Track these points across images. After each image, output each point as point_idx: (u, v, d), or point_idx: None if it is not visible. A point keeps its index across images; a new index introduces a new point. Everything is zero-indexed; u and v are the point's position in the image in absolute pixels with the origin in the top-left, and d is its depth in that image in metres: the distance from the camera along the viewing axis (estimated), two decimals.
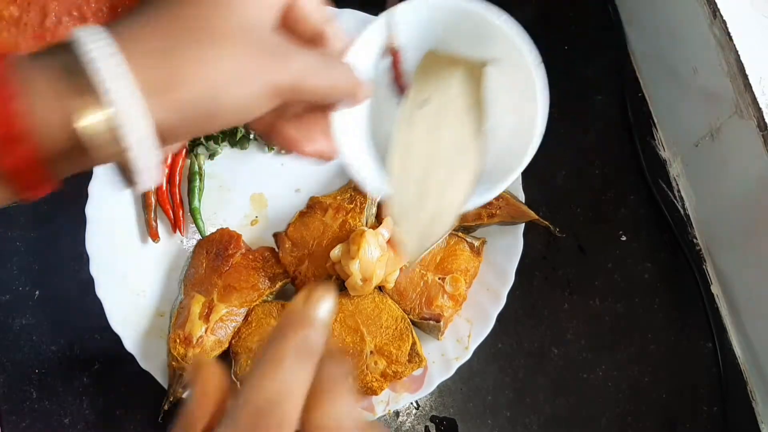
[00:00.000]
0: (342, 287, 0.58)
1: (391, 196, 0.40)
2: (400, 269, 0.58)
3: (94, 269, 0.59)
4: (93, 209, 0.61)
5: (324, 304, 0.26)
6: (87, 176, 0.61)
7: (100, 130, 0.24)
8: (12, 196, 0.25)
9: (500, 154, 0.43)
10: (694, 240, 0.65)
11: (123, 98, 0.24)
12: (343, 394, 0.24)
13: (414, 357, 0.56)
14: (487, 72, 0.44)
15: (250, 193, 0.64)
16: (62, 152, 0.24)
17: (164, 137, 0.26)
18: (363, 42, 0.41)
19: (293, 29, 0.33)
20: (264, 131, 0.35)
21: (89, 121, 0.23)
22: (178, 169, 0.63)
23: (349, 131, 0.40)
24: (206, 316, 0.57)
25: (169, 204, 0.63)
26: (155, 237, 0.61)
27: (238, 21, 0.28)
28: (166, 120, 0.25)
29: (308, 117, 0.36)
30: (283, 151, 0.65)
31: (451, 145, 0.42)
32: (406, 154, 0.41)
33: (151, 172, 0.26)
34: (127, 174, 0.26)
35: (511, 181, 0.41)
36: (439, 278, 0.58)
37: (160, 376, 0.57)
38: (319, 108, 0.36)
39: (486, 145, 0.42)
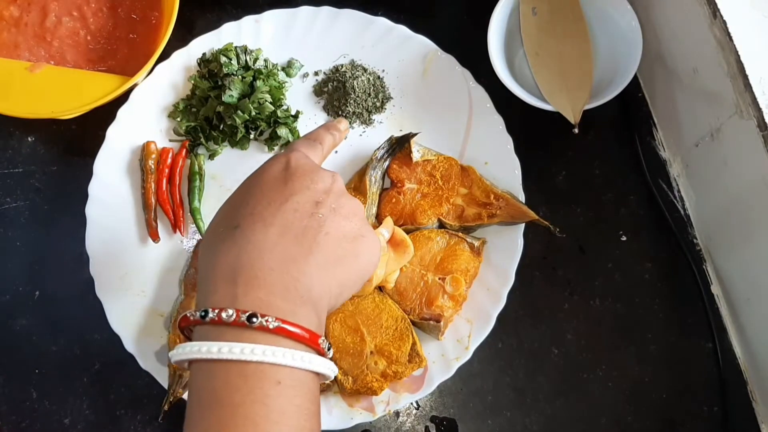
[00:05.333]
0: None
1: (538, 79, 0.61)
2: (401, 269, 0.58)
3: (94, 269, 0.59)
4: (93, 209, 0.61)
5: None
6: (87, 176, 0.62)
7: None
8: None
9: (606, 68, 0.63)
10: (694, 240, 0.65)
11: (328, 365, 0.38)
12: None
13: (414, 357, 0.56)
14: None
15: None
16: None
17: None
18: None
19: None
20: None
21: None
22: (179, 169, 0.63)
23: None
24: None
25: (169, 204, 0.63)
26: (155, 237, 0.61)
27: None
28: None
29: None
30: (282, 151, 0.64)
31: (569, 41, 0.63)
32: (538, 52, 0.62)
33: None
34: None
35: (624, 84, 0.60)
36: (439, 278, 0.58)
37: (160, 376, 0.57)
38: None
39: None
